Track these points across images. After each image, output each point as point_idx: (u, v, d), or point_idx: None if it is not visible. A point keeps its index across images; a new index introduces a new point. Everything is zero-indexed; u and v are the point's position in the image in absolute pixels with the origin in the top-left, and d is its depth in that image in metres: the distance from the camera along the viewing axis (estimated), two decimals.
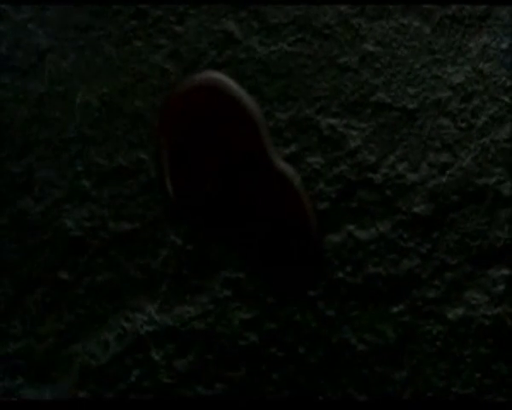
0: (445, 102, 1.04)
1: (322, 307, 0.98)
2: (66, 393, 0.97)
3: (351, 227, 1.00)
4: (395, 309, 0.98)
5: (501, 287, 0.98)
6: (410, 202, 1.01)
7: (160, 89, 1.03)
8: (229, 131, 0.97)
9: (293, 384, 0.96)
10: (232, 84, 0.99)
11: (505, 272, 0.98)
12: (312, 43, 1.05)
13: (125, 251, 1.00)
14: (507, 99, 1.05)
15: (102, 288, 0.99)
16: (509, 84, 1.05)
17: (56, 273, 0.99)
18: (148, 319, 0.98)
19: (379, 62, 1.05)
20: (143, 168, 1.02)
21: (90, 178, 1.01)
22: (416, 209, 1.00)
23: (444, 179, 1.01)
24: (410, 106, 1.04)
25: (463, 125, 1.04)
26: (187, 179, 0.96)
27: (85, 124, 1.03)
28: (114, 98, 1.04)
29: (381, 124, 1.03)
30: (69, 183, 1.01)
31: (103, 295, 0.99)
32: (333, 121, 1.03)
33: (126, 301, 0.99)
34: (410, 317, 0.97)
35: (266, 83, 1.04)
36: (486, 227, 1.00)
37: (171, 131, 0.97)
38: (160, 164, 0.97)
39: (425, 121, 1.03)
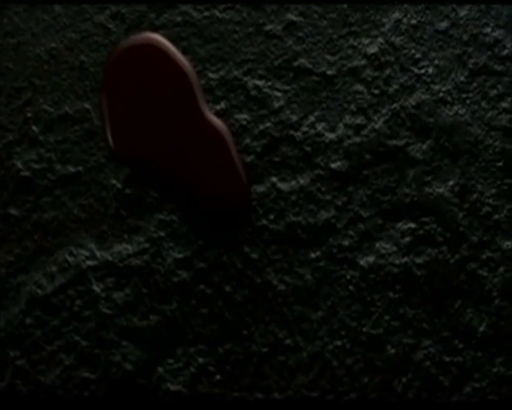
0: (360, 70, 1.01)
1: (247, 251, 0.95)
2: (15, 318, 0.96)
3: (274, 179, 0.97)
4: (313, 255, 0.95)
5: (408, 239, 0.96)
6: (328, 159, 0.98)
7: (104, 46, 0.98)
8: (165, 87, 0.96)
9: (219, 319, 0.92)
10: (168, 44, 0.99)
11: (412, 225, 0.96)
12: (241, 11, 1.00)
13: (70, 192, 0.96)
14: (416, 70, 1.02)
15: (48, 224, 0.95)
16: (417, 56, 1.03)
17: (7, 210, 0.96)
18: (90, 254, 0.94)
19: (301, 31, 1.01)
20: (87, 117, 0.97)
21: (39, 124, 0.97)
22: (332, 165, 0.98)
23: (358, 139, 0.98)
24: (329, 72, 1.01)
25: (376, 91, 1.00)
26: (125, 131, 0.97)
27: (35, 74, 0.99)
28: (62, 52, 0.99)
29: (302, 87, 1.00)
30: (19, 128, 0.97)
31: (49, 231, 0.95)
32: (259, 82, 1.00)
33: (70, 238, 0.94)
34: (326, 262, 0.95)
35: (199, 45, 0.99)
36: (396, 184, 0.98)
37: (113, 86, 0.98)
38: (102, 115, 0.97)
39: (342, 86, 1.00)
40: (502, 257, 0.97)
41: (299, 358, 0.93)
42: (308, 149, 1.00)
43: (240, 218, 0.94)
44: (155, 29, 1.00)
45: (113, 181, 0.97)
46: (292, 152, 1.00)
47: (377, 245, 0.98)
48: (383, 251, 0.97)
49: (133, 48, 0.95)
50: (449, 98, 1.01)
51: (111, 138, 0.93)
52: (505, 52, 1.05)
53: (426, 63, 1.03)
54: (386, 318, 0.95)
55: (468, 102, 1.01)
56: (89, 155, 0.98)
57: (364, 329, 0.95)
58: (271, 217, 0.97)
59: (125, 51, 0.95)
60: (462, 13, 1.04)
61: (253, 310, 0.95)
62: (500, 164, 1.00)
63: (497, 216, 0.99)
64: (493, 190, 1.00)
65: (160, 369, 0.92)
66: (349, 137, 1.00)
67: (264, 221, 0.97)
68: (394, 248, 0.97)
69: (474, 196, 0.99)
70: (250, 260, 0.96)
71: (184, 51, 1.00)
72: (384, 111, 1.01)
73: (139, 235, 0.96)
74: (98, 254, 0.96)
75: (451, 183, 1.00)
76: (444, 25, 1.05)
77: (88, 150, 0.98)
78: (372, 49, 1.03)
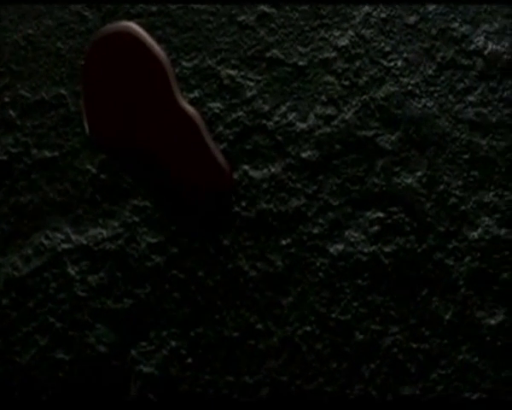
0: (331, 61, 1.02)
1: (219, 237, 0.97)
2: None
3: (246, 167, 0.98)
4: (283, 242, 0.97)
5: (376, 228, 0.98)
6: (299, 148, 0.99)
7: (80, 33, 1.00)
8: (140, 75, 0.97)
9: (192, 303, 0.93)
10: (143, 33, 1.00)
11: (380, 214, 0.98)
12: (215, 1, 1.04)
13: (46, 176, 0.96)
14: (385, 62, 1.05)
15: (25, 208, 0.95)
16: (387, 49, 1.06)
17: None
18: (65, 237, 0.95)
19: (274, 23, 1.04)
20: (63, 103, 0.98)
21: (16, 109, 0.97)
22: (303, 154, 0.99)
23: (328, 130, 1.00)
24: (300, 63, 1.02)
25: (347, 83, 1.02)
26: (101, 117, 0.97)
27: (13, 60, 1.00)
28: (39, 39, 0.99)
29: (274, 77, 1.01)
30: None
31: (26, 214, 0.95)
32: (232, 72, 1.01)
33: (46, 221, 0.95)
34: (296, 249, 0.96)
35: (173, 34, 1.00)
36: (365, 174, 0.99)
37: (90, 73, 0.99)
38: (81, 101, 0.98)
39: (313, 77, 1.01)
40: (468, 247, 0.99)
41: (270, 342, 0.94)
42: (280, 138, 1.01)
43: (222, 205, 0.95)
44: (131, 18, 1.01)
45: (89, 166, 0.98)
46: (264, 141, 1.01)
47: (346, 233, 0.99)
48: (352, 239, 0.99)
49: (109, 36, 0.96)
50: (417, 91, 1.03)
51: (87, 124, 0.94)
52: (472, 47, 1.08)
53: (395, 56, 1.05)
54: (355, 304, 0.96)
55: (435, 95, 1.03)
56: (65, 141, 0.98)
57: (333, 315, 0.96)
58: (243, 204, 0.99)
59: (102, 39, 0.95)
60: (431, 8, 1.07)
61: (224, 295, 0.96)
62: (466, 156, 1.02)
63: (463, 207, 1.00)
64: (460, 182, 1.01)
65: (133, 351, 0.93)
66: (320, 127, 1.02)
67: (236, 208, 0.98)
68: (363, 237, 0.99)
69: (441, 187, 1.01)
70: (222, 246, 0.97)
71: (159, 40, 1.02)
72: (354, 102, 1.02)
73: (114, 220, 0.98)
74: (73, 237, 0.97)
75: (419, 174, 1.01)
76: (412, 19, 1.07)
77: (64, 135, 0.99)
78: (343, 42, 1.05)
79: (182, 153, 0.94)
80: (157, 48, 0.96)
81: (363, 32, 1.04)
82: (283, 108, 1.00)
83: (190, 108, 0.95)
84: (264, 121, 1.00)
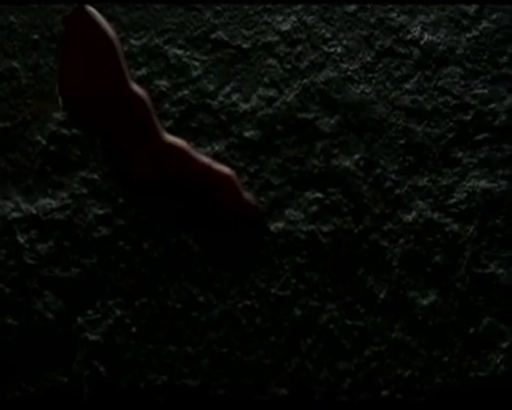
0: (274, 45, 1.07)
1: (164, 211, 0.99)
2: None
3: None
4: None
5: (315, 207, 1.01)
6: (242, 128, 1.03)
7: (32, 9, 1.01)
8: (94, 52, 0.98)
9: (137, 274, 0.96)
10: (95, 11, 1.01)
11: (319, 195, 1.02)
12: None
13: None
14: (326, 48, 1.07)
15: None
16: (327, 35, 1.09)
17: None
18: (15, 206, 0.97)
19: (219, 5, 1.06)
20: (15, 75, 1.01)
21: None
22: (246, 134, 1.03)
23: (270, 111, 1.04)
24: (244, 45, 1.06)
25: (288, 66, 1.06)
26: (66, 84, 0.99)
27: None
28: None
29: (219, 58, 1.05)
30: None
31: None
32: (178, 52, 1.04)
33: None
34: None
35: (123, 13, 1.04)
36: (304, 155, 1.03)
37: (62, 53, 1.00)
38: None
39: (256, 60, 1.06)
40: (402, 229, 1.02)
41: (211, 315, 0.97)
42: (223, 117, 1.05)
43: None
44: None
45: (39, 138, 1.01)
46: (208, 119, 1.04)
47: (286, 212, 1.02)
48: (292, 218, 1.01)
49: (71, 15, 0.98)
50: (356, 77, 1.07)
51: (60, 98, 0.96)
52: (409, 37, 1.13)
53: (335, 43, 1.10)
54: (294, 281, 0.99)
55: (373, 81, 1.07)
56: (16, 112, 1.01)
57: (273, 290, 0.98)
58: None
59: (68, 18, 0.97)
60: None
61: (168, 267, 0.98)
62: (402, 142, 1.06)
63: (398, 191, 1.04)
64: (396, 166, 1.05)
65: (79, 319, 0.95)
66: (262, 109, 1.06)
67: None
68: (302, 216, 1.02)
69: (378, 170, 1.05)
70: (167, 220, 1.00)
71: (109, 18, 1.05)
72: (295, 85, 1.07)
73: (62, 191, 1.00)
74: (23, 206, 0.99)
75: (357, 157, 1.05)
76: (352, 7, 1.11)
77: (16, 107, 1.01)
78: (285, 27, 1.09)
79: (130, 131, 0.96)
80: (106, 25, 0.98)
81: (304, 18, 1.08)
82: (227, 89, 1.03)
83: (137, 87, 0.98)
84: (208, 101, 1.03)
